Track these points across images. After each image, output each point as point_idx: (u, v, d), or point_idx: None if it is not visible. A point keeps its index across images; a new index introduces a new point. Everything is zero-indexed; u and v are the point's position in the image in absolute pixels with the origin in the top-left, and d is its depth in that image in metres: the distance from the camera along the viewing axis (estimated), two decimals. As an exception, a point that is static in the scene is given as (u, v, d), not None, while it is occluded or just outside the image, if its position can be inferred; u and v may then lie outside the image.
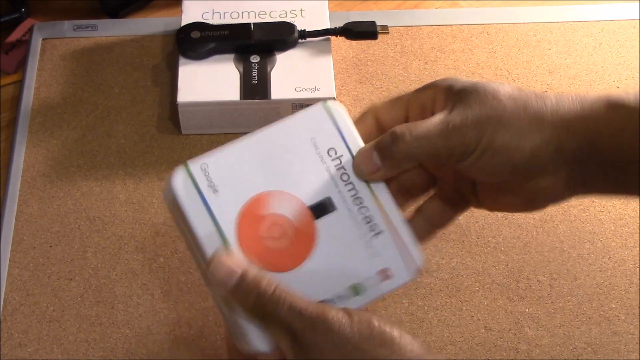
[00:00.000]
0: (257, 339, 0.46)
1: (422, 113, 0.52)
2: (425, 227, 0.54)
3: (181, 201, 0.46)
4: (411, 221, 0.53)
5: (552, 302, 0.65)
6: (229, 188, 0.47)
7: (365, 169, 0.49)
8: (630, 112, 0.48)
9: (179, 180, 0.47)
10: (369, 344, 0.45)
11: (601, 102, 0.49)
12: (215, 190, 0.47)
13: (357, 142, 0.50)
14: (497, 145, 0.48)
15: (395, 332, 0.45)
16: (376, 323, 0.45)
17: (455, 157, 0.49)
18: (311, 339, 0.45)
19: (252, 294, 0.45)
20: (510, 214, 0.69)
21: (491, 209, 0.55)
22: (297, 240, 0.48)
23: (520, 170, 0.49)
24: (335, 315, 0.45)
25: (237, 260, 0.47)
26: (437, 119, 0.49)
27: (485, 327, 0.64)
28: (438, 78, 0.53)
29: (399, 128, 0.49)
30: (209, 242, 0.46)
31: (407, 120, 0.53)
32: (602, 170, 0.50)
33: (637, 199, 0.54)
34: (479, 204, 0.54)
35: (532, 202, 0.52)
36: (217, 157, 0.48)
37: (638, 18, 0.84)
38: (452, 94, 0.51)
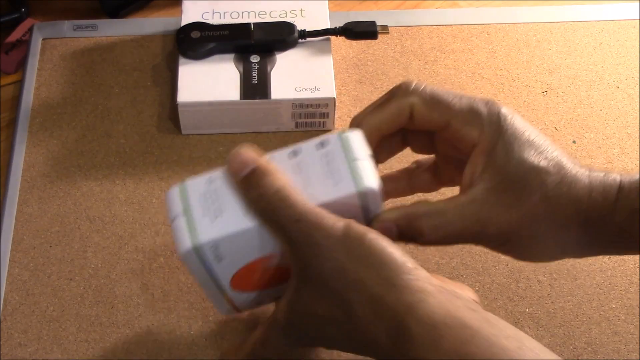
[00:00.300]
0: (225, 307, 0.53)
1: (458, 146, 0.52)
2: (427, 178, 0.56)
3: (189, 268, 0.50)
4: (414, 172, 0.56)
5: (552, 302, 0.65)
6: (232, 256, 0.49)
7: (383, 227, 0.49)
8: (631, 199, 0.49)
9: (188, 254, 0.49)
10: (356, 264, 0.44)
11: (613, 190, 0.49)
12: (219, 260, 0.49)
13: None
14: (519, 250, 0.51)
15: (387, 253, 0.45)
16: (369, 240, 0.45)
17: (473, 241, 0.51)
18: (306, 251, 0.45)
19: (255, 190, 0.46)
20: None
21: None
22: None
23: (545, 257, 0.52)
24: (328, 229, 0.45)
25: (252, 155, 0.47)
26: (471, 201, 0.49)
27: (485, 327, 0.64)
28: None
29: (423, 218, 0.49)
30: (215, 299, 0.53)
31: (435, 135, 0.53)
32: (598, 244, 0.52)
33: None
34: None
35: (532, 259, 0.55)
36: (229, 237, 0.48)
37: (638, 18, 0.84)
38: (496, 153, 0.49)
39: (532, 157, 0.49)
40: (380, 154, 0.53)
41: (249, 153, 0.47)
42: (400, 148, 0.56)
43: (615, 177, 0.50)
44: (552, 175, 0.49)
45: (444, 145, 0.54)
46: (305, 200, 0.46)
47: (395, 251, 0.45)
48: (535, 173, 0.49)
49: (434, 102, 0.51)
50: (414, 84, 0.51)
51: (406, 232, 0.49)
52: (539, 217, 0.49)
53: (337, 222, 0.45)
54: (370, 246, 0.45)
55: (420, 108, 0.51)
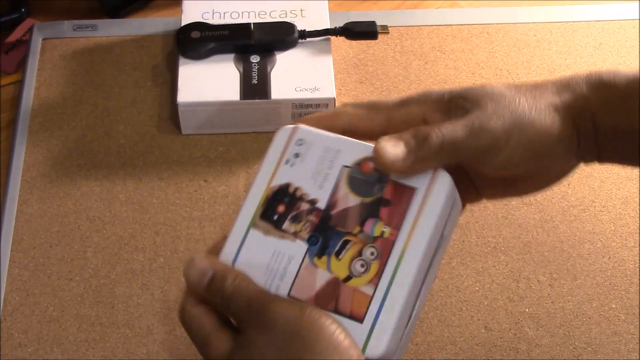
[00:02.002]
0: None
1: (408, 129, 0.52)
2: None
3: None
4: None
5: (552, 302, 0.65)
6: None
7: (387, 159, 0.48)
8: (621, 93, 0.51)
9: None
10: (298, 345, 0.45)
11: (597, 84, 0.51)
12: None
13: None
14: (527, 139, 0.49)
15: (336, 339, 0.45)
16: (319, 325, 0.45)
17: (485, 156, 0.49)
18: (249, 332, 0.46)
19: (218, 293, 0.47)
20: (511, 214, 0.69)
21: (493, 197, 0.56)
22: None
23: (547, 157, 0.50)
24: (279, 310, 0.45)
25: (209, 260, 0.48)
26: (460, 122, 0.49)
27: (485, 327, 0.64)
28: (416, 91, 0.53)
29: (426, 127, 0.49)
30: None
31: (386, 134, 0.51)
32: (603, 144, 0.52)
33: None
34: (479, 196, 0.55)
35: (545, 184, 0.54)
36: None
37: (638, 18, 0.84)
38: (448, 104, 0.51)
39: (484, 88, 0.51)
40: None
41: (202, 262, 0.49)
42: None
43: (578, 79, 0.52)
44: (507, 87, 0.51)
45: None
46: (259, 288, 0.47)
47: (344, 341, 0.45)
48: (492, 89, 0.51)
49: (371, 106, 0.53)
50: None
51: (410, 143, 0.48)
52: (524, 105, 0.50)
53: (292, 305, 0.46)
54: (320, 331, 0.45)
55: (359, 113, 0.52)
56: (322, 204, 0.49)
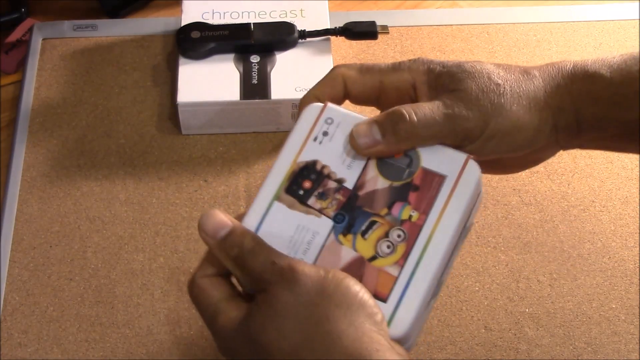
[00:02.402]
0: None
1: (399, 96, 0.53)
2: None
3: None
4: None
5: (552, 302, 0.65)
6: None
7: (362, 141, 0.49)
8: (606, 84, 0.52)
9: None
10: (324, 301, 0.44)
11: (582, 75, 0.52)
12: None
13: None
14: (503, 131, 0.50)
15: (361, 297, 0.45)
16: (345, 284, 0.45)
17: (459, 142, 0.50)
18: (276, 289, 0.45)
19: (236, 246, 0.47)
20: (511, 214, 0.69)
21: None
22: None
23: (522, 148, 0.51)
24: (306, 269, 0.45)
25: (227, 217, 0.48)
26: (439, 103, 0.50)
27: (485, 327, 0.64)
28: (412, 58, 0.54)
29: (403, 107, 0.49)
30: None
31: (379, 98, 0.54)
32: (586, 135, 0.53)
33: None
34: None
35: (526, 165, 0.56)
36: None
37: (638, 18, 0.84)
38: (435, 77, 0.52)
39: (473, 65, 0.52)
40: None
41: (221, 215, 0.48)
42: None
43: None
44: (497, 68, 0.52)
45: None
46: (280, 252, 0.47)
47: (370, 300, 0.46)
48: (481, 69, 0.52)
49: (365, 69, 0.54)
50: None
51: (385, 123, 0.50)
52: (507, 95, 0.51)
53: (316, 267, 0.46)
54: (347, 289, 0.45)
55: (352, 75, 0.54)
56: (349, 184, 0.49)
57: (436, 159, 0.49)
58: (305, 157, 0.50)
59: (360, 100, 0.54)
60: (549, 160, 0.71)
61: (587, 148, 0.55)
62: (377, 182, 0.49)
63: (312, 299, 0.44)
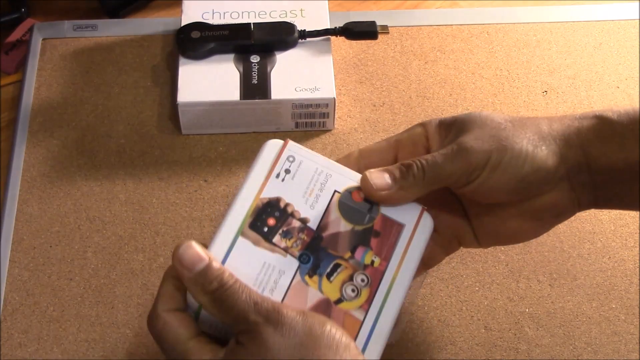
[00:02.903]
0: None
1: (414, 149, 0.54)
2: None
3: None
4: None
5: (552, 302, 0.65)
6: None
7: (376, 183, 0.51)
8: (613, 124, 0.51)
9: None
10: (314, 343, 0.45)
11: (589, 116, 0.52)
12: None
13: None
14: (506, 160, 0.50)
15: (345, 340, 0.46)
16: (328, 327, 0.46)
17: (465, 178, 0.51)
18: (263, 330, 0.45)
19: (215, 281, 0.46)
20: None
21: (493, 242, 0.57)
22: None
23: (529, 183, 0.51)
24: (290, 312, 0.46)
25: (204, 250, 0.48)
26: (443, 146, 0.52)
27: (485, 327, 0.64)
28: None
29: (410, 160, 0.51)
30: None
31: (396, 160, 0.55)
32: (599, 182, 0.52)
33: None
34: (479, 241, 0.56)
35: (540, 221, 0.54)
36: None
37: (638, 18, 0.84)
38: (445, 127, 0.53)
39: (479, 113, 0.53)
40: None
41: (198, 248, 0.47)
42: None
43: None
44: (501, 114, 0.53)
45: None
46: (259, 293, 0.47)
47: (352, 342, 0.47)
48: (485, 114, 0.53)
49: (378, 142, 0.56)
50: None
51: (394, 172, 0.51)
52: (510, 130, 0.51)
53: (297, 310, 0.46)
54: (332, 331, 0.46)
55: (367, 147, 0.56)
56: (313, 224, 0.51)
57: (395, 208, 0.52)
58: (268, 193, 0.51)
59: (378, 166, 0.54)
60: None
61: (603, 204, 0.54)
62: (340, 224, 0.51)
63: (302, 341, 0.45)
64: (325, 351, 0.45)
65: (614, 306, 0.65)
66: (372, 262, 0.50)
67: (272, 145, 0.53)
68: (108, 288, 0.65)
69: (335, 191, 0.52)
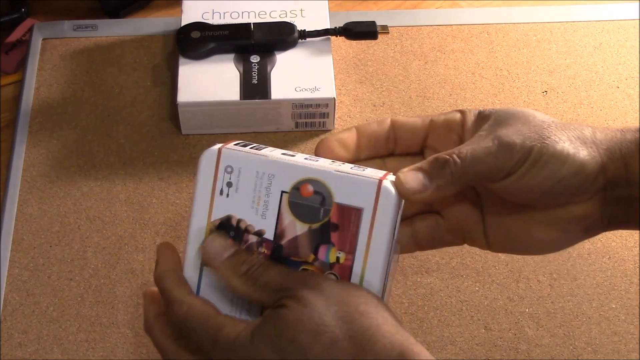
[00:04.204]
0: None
1: (447, 135, 0.52)
2: (408, 240, 0.53)
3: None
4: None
5: (552, 302, 0.65)
6: None
7: (413, 184, 0.47)
8: None
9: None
10: (355, 300, 0.45)
11: (633, 129, 0.49)
12: None
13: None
14: (546, 158, 0.48)
15: (379, 298, 0.46)
16: (362, 288, 0.46)
17: (502, 174, 0.48)
18: (305, 293, 0.44)
19: (245, 263, 0.46)
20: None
21: (506, 248, 0.53)
22: None
23: (565, 186, 0.48)
24: (322, 275, 0.46)
25: (228, 239, 0.48)
26: (480, 139, 0.48)
27: (485, 327, 0.64)
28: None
29: (445, 153, 0.48)
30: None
31: (426, 141, 0.52)
32: (636, 197, 0.49)
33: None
34: (489, 243, 0.53)
35: (567, 233, 0.51)
36: None
37: (638, 18, 0.84)
38: (484, 117, 0.51)
39: (520, 109, 0.51)
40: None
41: (221, 240, 0.48)
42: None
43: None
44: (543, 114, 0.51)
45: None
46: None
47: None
48: (527, 110, 0.50)
49: (415, 116, 0.54)
50: None
51: (430, 169, 0.48)
52: (552, 128, 0.49)
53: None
54: (365, 289, 0.46)
55: (400, 118, 0.53)
56: (270, 235, 0.47)
57: (348, 191, 0.46)
58: (217, 214, 0.48)
59: (408, 140, 0.52)
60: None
61: (634, 226, 0.51)
62: (296, 227, 0.47)
63: (343, 299, 0.45)
64: (365, 306, 0.45)
65: (614, 306, 0.65)
66: (338, 258, 0.47)
67: (208, 158, 0.48)
68: (108, 288, 0.65)
69: (282, 192, 0.47)
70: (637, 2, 0.85)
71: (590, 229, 0.50)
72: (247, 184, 0.47)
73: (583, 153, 0.48)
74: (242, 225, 0.48)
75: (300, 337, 0.43)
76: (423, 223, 0.53)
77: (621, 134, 0.50)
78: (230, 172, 0.48)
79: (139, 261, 0.67)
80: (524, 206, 0.50)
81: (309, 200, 0.47)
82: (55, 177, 0.71)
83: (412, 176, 0.47)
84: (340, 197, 0.46)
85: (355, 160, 0.52)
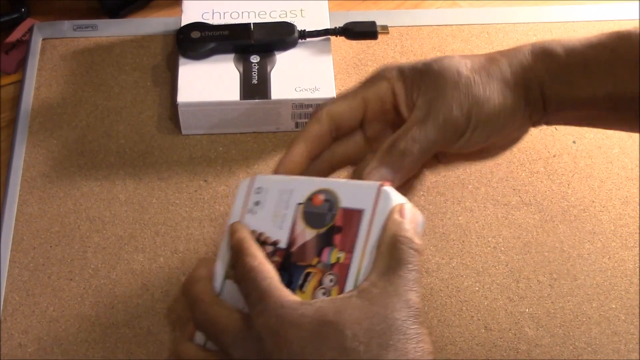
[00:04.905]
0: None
1: (382, 106, 0.56)
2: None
3: None
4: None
5: (552, 302, 0.65)
6: None
7: (381, 177, 0.52)
8: (559, 59, 0.55)
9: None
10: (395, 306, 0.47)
11: (538, 50, 0.55)
12: None
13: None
14: (485, 119, 0.53)
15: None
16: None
17: (451, 143, 0.54)
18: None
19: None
20: (511, 214, 0.69)
21: (450, 164, 0.60)
22: None
23: (503, 129, 0.55)
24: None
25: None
26: (422, 115, 0.53)
27: (485, 327, 0.64)
28: (381, 66, 0.57)
29: (400, 142, 0.53)
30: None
31: (365, 115, 0.56)
32: (550, 110, 0.56)
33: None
34: (437, 164, 0.59)
35: (504, 148, 0.59)
36: None
37: (638, 18, 0.84)
38: (410, 82, 0.55)
39: (441, 63, 0.55)
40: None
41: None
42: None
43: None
44: (463, 62, 0.55)
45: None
46: None
47: None
48: (448, 64, 0.54)
49: (342, 95, 0.57)
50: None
51: (392, 163, 0.53)
52: (478, 84, 0.53)
53: None
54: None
55: (334, 108, 0.57)
56: (283, 244, 0.51)
57: (352, 195, 0.50)
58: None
59: (350, 124, 0.56)
60: (549, 161, 0.71)
61: (552, 124, 0.58)
62: (306, 234, 0.51)
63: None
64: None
65: (614, 306, 0.65)
66: (338, 259, 0.49)
67: (243, 184, 0.54)
68: (108, 288, 0.65)
69: (298, 204, 0.51)
70: (637, 2, 0.85)
71: (519, 139, 0.58)
72: (271, 201, 0.52)
73: (509, 100, 0.54)
74: (262, 239, 0.52)
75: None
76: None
77: (533, 60, 0.55)
78: (259, 193, 0.53)
79: (139, 261, 0.67)
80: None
81: (319, 208, 0.51)
82: (55, 177, 0.71)
83: (377, 177, 0.52)
84: (345, 202, 0.50)
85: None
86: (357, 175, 0.57)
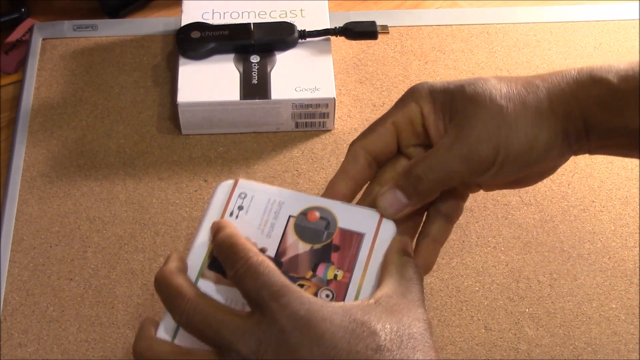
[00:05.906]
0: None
1: (413, 130, 0.54)
2: (443, 224, 0.55)
3: None
4: (431, 224, 0.55)
5: (552, 302, 0.65)
6: None
7: (392, 210, 0.52)
8: (611, 87, 0.51)
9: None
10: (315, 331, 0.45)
11: (585, 77, 0.52)
12: None
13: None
14: (514, 153, 0.50)
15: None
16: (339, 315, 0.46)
17: (475, 176, 0.51)
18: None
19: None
20: (511, 214, 0.69)
21: (490, 190, 0.58)
22: None
23: (537, 163, 0.52)
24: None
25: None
26: (448, 143, 0.51)
27: (485, 327, 0.64)
28: (413, 85, 0.55)
29: (417, 168, 0.51)
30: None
31: (399, 143, 0.55)
32: (595, 140, 0.52)
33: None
34: (479, 188, 0.57)
35: (542, 176, 0.56)
36: None
37: (638, 18, 0.84)
38: (441, 104, 0.52)
39: (475, 86, 0.52)
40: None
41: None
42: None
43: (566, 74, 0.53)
44: (499, 86, 0.52)
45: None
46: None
47: None
48: (482, 90, 0.52)
49: (372, 126, 0.55)
50: None
51: (407, 187, 0.51)
52: (511, 115, 0.50)
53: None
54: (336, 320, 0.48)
55: (369, 143, 0.55)
56: (271, 252, 0.51)
57: (351, 218, 0.52)
58: None
59: (385, 155, 0.55)
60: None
61: (595, 154, 0.55)
62: (298, 246, 0.51)
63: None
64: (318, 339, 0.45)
65: (614, 306, 0.65)
66: (335, 275, 0.50)
67: (223, 187, 0.53)
68: (108, 288, 0.65)
69: (290, 216, 0.52)
70: (637, 2, 0.85)
71: (561, 164, 0.55)
72: (257, 208, 0.52)
73: (544, 135, 0.51)
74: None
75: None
76: (443, 201, 0.56)
77: (577, 88, 0.51)
78: (244, 198, 0.53)
79: (139, 261, 0.67)
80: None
81: (314, 224, 0.52)
82: (55, 177, 0.71)
83: (390, 200, 0.51)
84: (344, 223, 0.51)
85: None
86: (368, 194, 0.56)
